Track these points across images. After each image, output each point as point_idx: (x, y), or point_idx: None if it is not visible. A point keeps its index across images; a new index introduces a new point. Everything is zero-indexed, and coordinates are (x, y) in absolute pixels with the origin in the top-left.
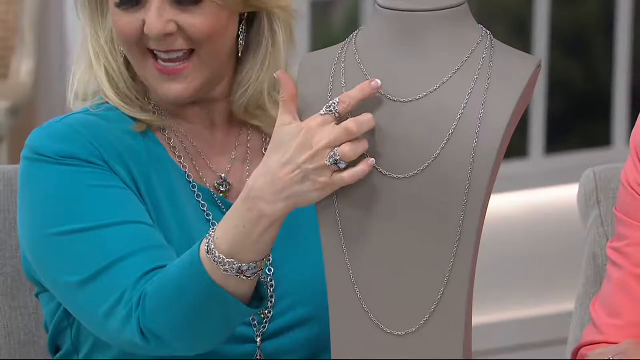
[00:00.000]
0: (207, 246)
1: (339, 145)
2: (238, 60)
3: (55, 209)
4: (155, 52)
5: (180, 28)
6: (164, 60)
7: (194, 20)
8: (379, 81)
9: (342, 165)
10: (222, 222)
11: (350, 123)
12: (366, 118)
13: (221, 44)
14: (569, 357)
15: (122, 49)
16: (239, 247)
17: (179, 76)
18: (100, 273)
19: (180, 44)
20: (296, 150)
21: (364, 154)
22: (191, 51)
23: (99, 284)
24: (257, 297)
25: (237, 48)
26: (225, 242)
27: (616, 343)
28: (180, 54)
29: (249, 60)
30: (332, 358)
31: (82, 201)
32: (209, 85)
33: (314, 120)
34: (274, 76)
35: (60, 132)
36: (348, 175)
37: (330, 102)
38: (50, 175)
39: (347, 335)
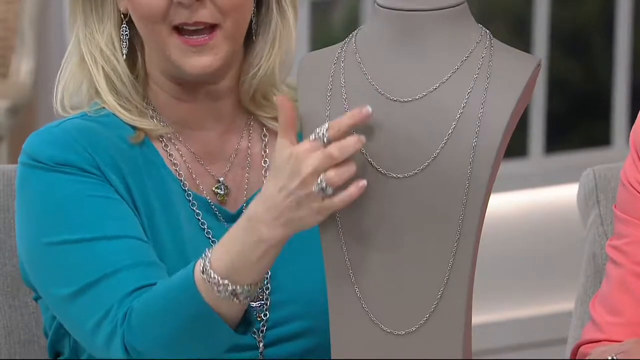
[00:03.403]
0: (203, 266)
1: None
2: (247, 48)
3: (50, 218)
4: (181, 28)
5: None
6: (190, 33)
7: None
8: (369, 108)
9: (330, 192)
10: (220, 243)
11: (332, 148)
12: (350, 142)
13: (244, 16)
14: (568, 357)
15: (124, 47)
16: (236, 269)
17: (205, 48)
18: (89, 287)
19: (207, 15)
20: (288, 177)
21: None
22: (213, 27)
23: (86, 299)
24: (245, 323)
25: (248, 32)
26: (222, 264)
27: (617, 341)
28: (205, 26)
29: (259, 41)
30: (332, 358)
31: (76, 212)
32: (230, 61)
33: (303, 146)
34: (284, 58)
35: (57, 138)
36: (338, 200)
37: (320, 128)
38: (46, 183)
39: (347, 335)
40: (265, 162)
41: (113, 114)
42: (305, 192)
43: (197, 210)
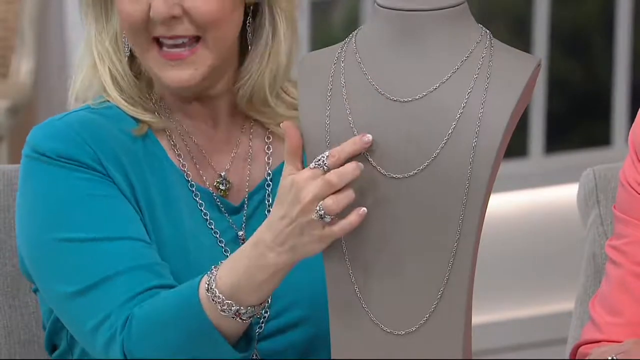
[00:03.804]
0: (208, 284)
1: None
2: (240, 56)
3: (53, 214)
4: (160, 40)
5: (185, 12)
6: (169, 47)
7: (199, 4)
8: (370, 136)
9: (328, 219)
10: (226, 263)
11: (331, 175)
12: (349, 169)
13: (226, 31)
14: (568, 357)
15: (126, 50)
16: (240, 290)
17: (185, 62)
18: (90, 289)
19: (185, 29)
20: (290, 204)
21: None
22: (197, 39)
23: (86, 300)
24: (246, 339)
25: (244, 41)
26: (228, 284)
27: (616, 342)
28: (185, 40)
29: (251, 53)
30: (332, 358)
31: (79, 210)
32: (214, 75)
33: (303, 173)
34: (275, 70)
35: (60, 132)
36: (338, 228)
37: (320, 155)
38: (50, 177)
39: (347, 335)
40: (268, 158)
41: (117, 106)
42: (306, 219)
43: (200, 201)
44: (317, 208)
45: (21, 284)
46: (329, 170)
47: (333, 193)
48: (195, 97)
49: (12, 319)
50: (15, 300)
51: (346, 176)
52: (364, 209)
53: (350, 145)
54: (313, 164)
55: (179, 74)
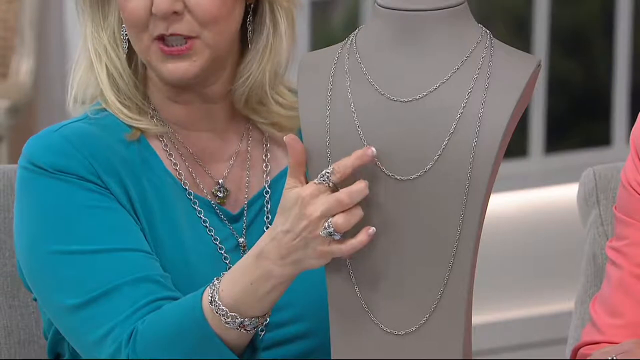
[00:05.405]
0: (211, 297)
1: (334, 216)
2: (240, 54)
3: (53, 227)
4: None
5: (187, 7)
6: (170, 42)
7: (201, 0)
8: (374, 149)
9: (337, 237)
10: (228, 274)
11: (342, 194)
12: (359, 187)
13: (225, 28)
14: (569, 357)
15: (124, 46)
16: (243, 302)
17: (183, 56)
18: (92, 301)
19: (186, 26)
20: (294, 219)
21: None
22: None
23: (89, 313)
24: (251, 348)
25: (243, 40)
26: (230, 296)
27: (617, 343)
28: (185, 36)
29: (251, 50)
30: (332, 358)
31: (79, 222)
32: (212, 70)
33: (308, 188)
34: (275, 67)
35: (56, 144)
36: (346, 247)
37: (324, 171)
38: (48, 190)
39: (347, 335)
40: (267, 166)
41: (113, 115)
42: (312, 235)
43: (199, 209)
44: (326, 225)
45: (21, 283)
46: (334, 185)
47: (342, 211)
48: (194, 99)
49: (12, 319)
50: (15, 300)
51: (357, 195)
52: (373, 228)
53: (354, 160)
54: (317, 179)
55: (178, 65)
